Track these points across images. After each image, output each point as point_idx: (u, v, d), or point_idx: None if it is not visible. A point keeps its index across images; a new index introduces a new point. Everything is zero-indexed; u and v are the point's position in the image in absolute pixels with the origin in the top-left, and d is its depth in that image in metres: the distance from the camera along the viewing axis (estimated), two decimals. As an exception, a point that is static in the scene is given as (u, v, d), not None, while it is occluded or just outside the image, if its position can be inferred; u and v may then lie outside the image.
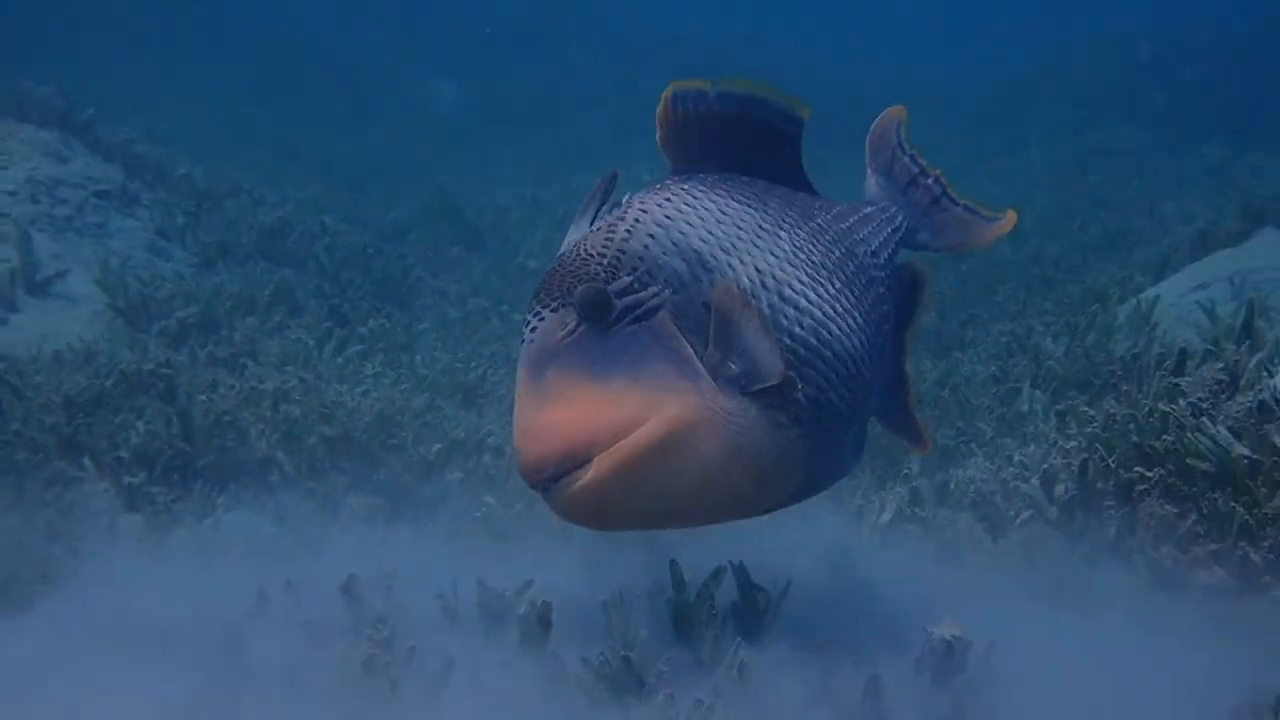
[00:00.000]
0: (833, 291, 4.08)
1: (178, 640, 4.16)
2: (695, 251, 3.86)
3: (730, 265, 3.88)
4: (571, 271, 3.76)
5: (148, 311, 10.19)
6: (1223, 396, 5.85)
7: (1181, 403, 5.81)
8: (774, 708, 3.73)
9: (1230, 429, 5.46)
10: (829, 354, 3.97)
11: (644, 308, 3.71)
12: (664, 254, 3.82)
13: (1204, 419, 5.58)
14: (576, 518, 3.69)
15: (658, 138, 4.25)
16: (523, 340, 3.73)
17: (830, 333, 3.99)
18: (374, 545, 6.03)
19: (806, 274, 4.04)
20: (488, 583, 4.28)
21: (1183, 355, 6.45)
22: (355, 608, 4.14)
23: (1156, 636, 4.48)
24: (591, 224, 4.03)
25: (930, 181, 5.05)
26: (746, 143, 4.35)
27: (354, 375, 8.98)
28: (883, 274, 4.49)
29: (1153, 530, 5.34)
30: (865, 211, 4.67)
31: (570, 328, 3.66)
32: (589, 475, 3.53)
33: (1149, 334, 8.65)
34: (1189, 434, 5.52)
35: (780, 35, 27.87)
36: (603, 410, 3.56)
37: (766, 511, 4.06)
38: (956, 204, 5.04)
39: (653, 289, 3.74)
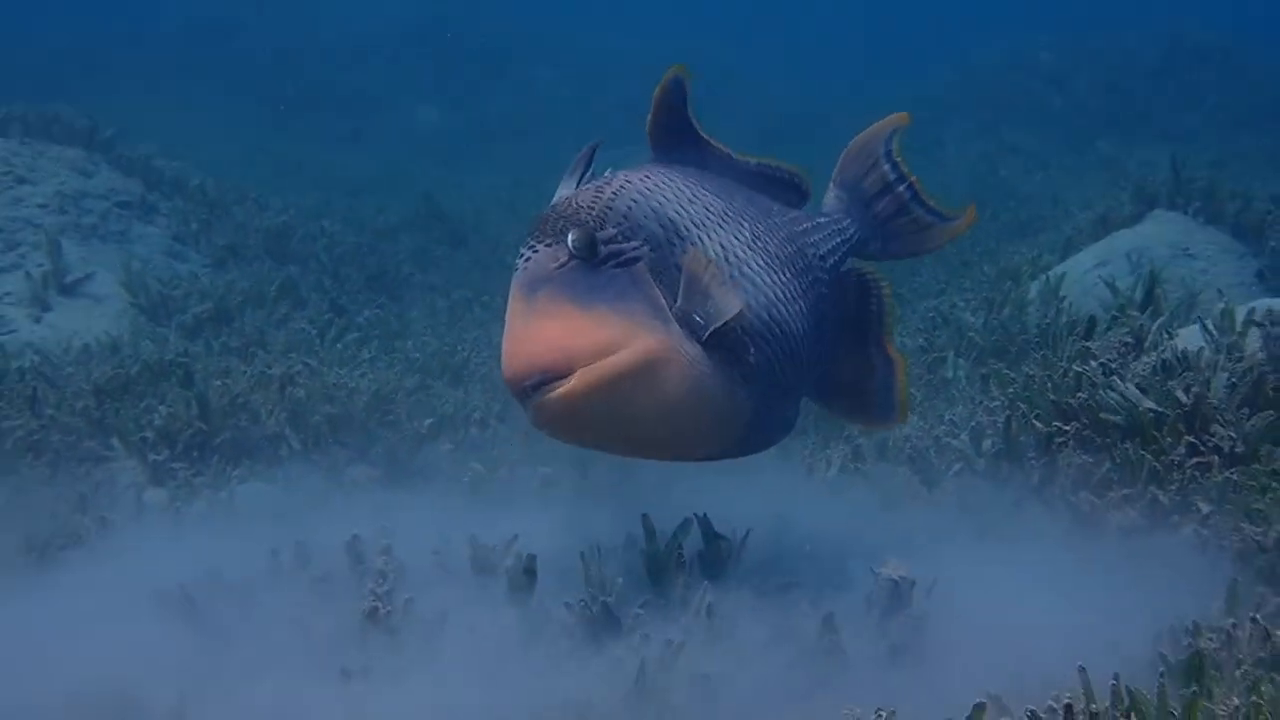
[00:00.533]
0: (783, 280, 4.08)
1: (199, 596, 4.03)
2: (671, 220, 3.88)
3: (699, 238, 3.90)
4: (564, 216, 3.77)
5: (167, 308, 10.12)
6: (1129, 357, 5.80)
7: (1093, 363, 5.76)
8: (739, 645, 3.62)
9: (1138, 385, 5.40)
10: (777, 331, 3.98)
11: (626, 256, 3.72)
12: (644, 217, 3.83)
13: (1114, 378, 5.52)
14: (551, 425, 3.68)
15: (649, 121, 4.24)
16: (515, 269, 3.74)
17: (779, 313, 3.99)
18: (373, 509, 5.93)
19: (762, 260, 4.04)
20: (478, 539, 4.16)
21: (1092, 322, 6.41)
22: (358, 564, 4.00)
23: (1080, 572, 4.40)
24: (577, 183, 4.03)
25: (903, 189, 4.92)
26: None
27: (352, 360, 8.89)
28: (827, 277, 4.46)
29: (1071, 477, 5.29)
30: (818, 220, 4.61)
31: (561, 261, 3.67)
32: (569, 385, 3.55)
33: (1058, 306, 8.59)
34: (1100, 391, 5.47)
35: (722, 54, 27.69)
36: (586, 330, 3.59)
37: (708, 457, 4.08)
38: (926, 208, 4.93)
39: (634, 243, 3.76)
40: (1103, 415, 5.40)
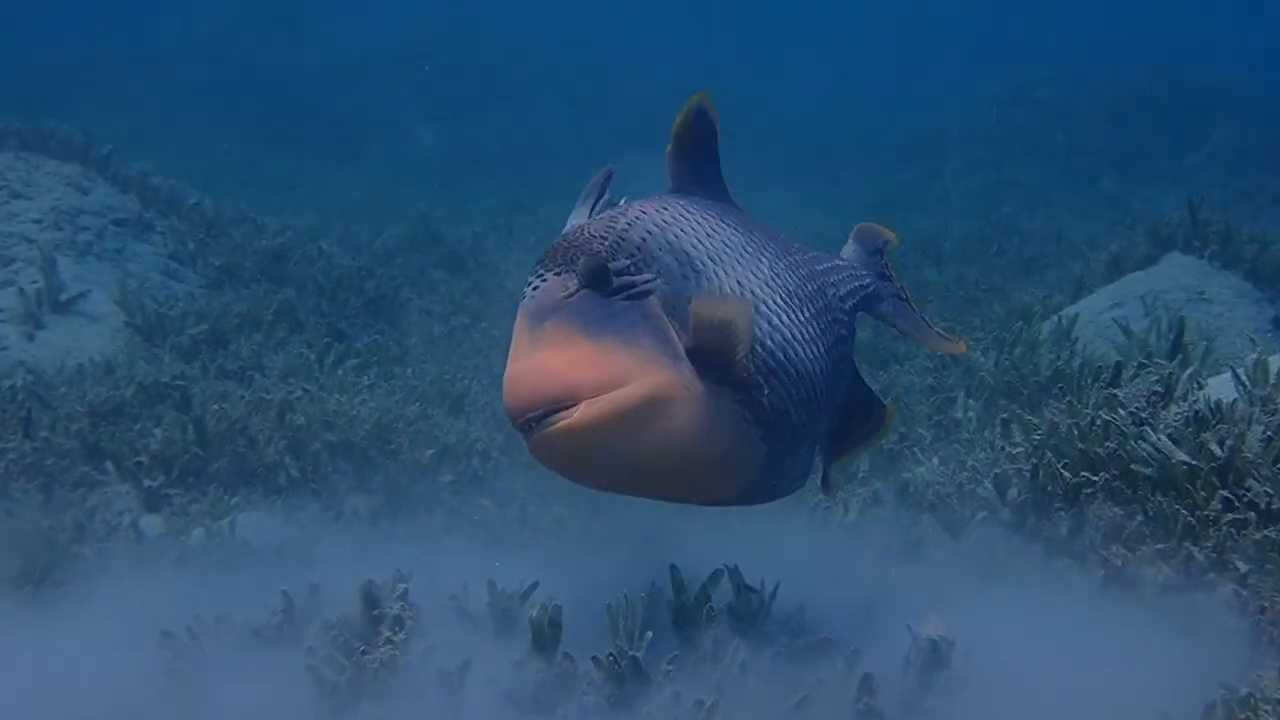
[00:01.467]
0: (801, 319, 3.93)
1: (204, 641, 3.87)
2: (686, 253, 3.71)
3: (716, 273, 3.74)
4: (576, 244, 3.61)
5: (163, 328, 9.98)
6: (1159, 406, 5.65)
7: (1121, 412, 5.61)
8: (773, 706, 3.47)
9: (1169, 436, 5.26)
10: (792, 371, 3.82)
11: (638, 289, 3.56)
12: (659, 249, 3.67)
13: (1145, 428, 5.37)
14: (551, 458, 3.52)
15: (670, 149, 4.07)
16: (523, 295, 3.58)
17: (795, 354, 3.84)
18: (381, 543, 5.80)
19: (781, 298, 3.88)
20: (497, 586, 4.00)
21: (1118, 368, 6.26)
22: (372, 609, 3.84)
23: (1120, 634, 4.25)
24: (590, 211, 3.90)
25: (898, 287, 4.90)
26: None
27: (352, 386, 8.74)
28: (846, 318, 4.34)
29: (1101, 530, 5.13)
30: (838, 263, 4.52)
31: (570, 290, 3.52)
32: (572, 418, 3.37)
33: (1070, 348, 8.49)
34: (1131, 441, 5.32)
35: (722, 81, 27.65)
36: (593, 362, 3.42)
37: (714, 503, 3.95)
38: (915, 312, 4.93)
39: (647, 275, 3.59)
40: (1133, 466, 5.25)
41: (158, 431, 7.34)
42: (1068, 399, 6.24)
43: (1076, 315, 9.10)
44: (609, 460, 3.54)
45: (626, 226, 3.68)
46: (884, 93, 31.11)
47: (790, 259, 4.09)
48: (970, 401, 7.95)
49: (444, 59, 29.08)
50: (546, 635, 3.61)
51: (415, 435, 7.63)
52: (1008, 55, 30.62)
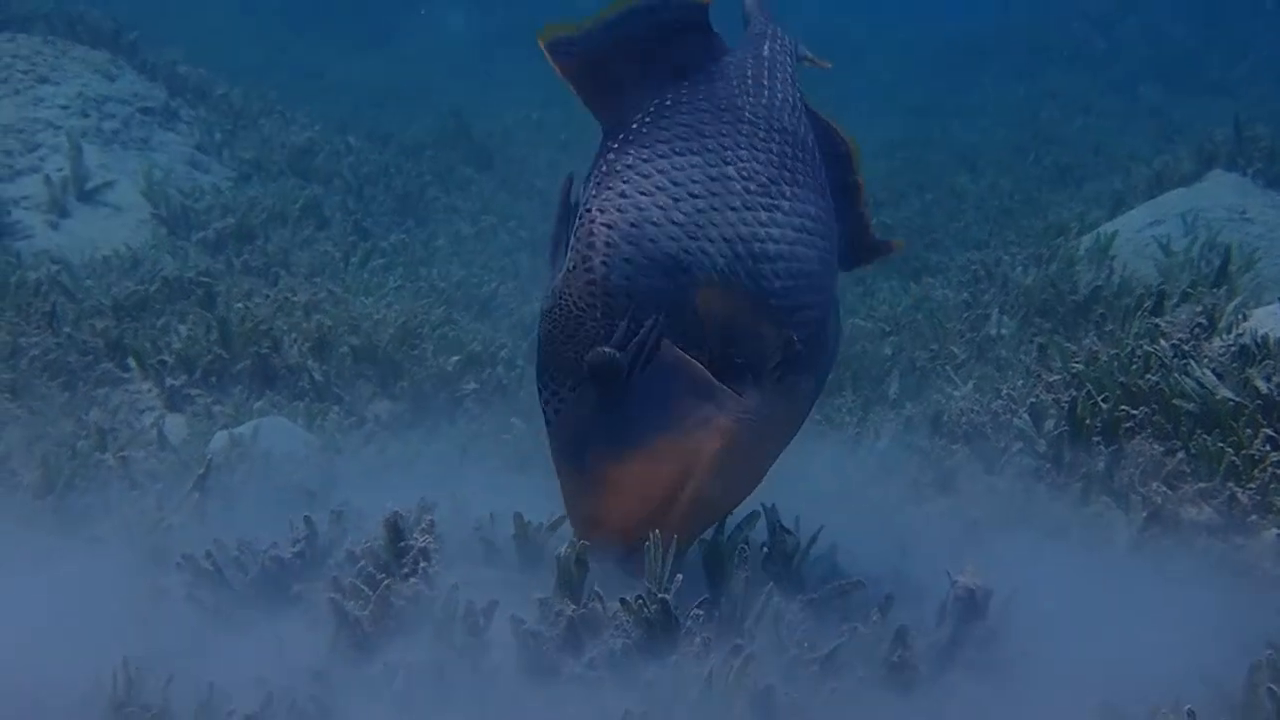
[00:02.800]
0: (788, 205, 3.67)
1: (225, 566, 3.79)
2: (670, 256, 3.46)
3: (703, 250, 3.50)
4: (570, 337, 3.42)
5: (188, 221, 9.88)
6: (1202, 338, 5.51)
7: (1164, 343, 5.47)
8: (805, 655, 3.37)
9: (1214, 371, 5.12)
10: (804, 281, 3.64)
11: (647, 346, 3.40)
12: (644, 276, 3.43)
13: (1188, 361, 5.23)
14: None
15: (578, 98, 3.69)
16: (547, 420, 3.46)
17: (800, 256, 3.63)
18: (405, 460, 5.72)
19: (764, 207, 3.62)
20: (524, 517, 3.90)
21: (1160, 296, 6.12)
22: (397, 543, 3.74)
23: (1160, 581, 4.15)
24: (568, 242, 3.57)
25: None
26: (660, 56, 3.78)
27: (378, 287, 8.63)
28: (805, 121, 3.96)
29: (1141, 467, 5.00)
30: (764, 52, 4.07)
31: (591, 402, 3.39)
32: (671, 526, 3.43)
33: (1109, 266, 8.32)
34: (1173, 375, 5.18)
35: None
36: (651, 478, 3.40)
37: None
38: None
39: (648, 322, 3.41)
40: (1175, 401, 5.11)
41: (181, 329, 7.27)
42: (1109, 327, 6.11)
43: (1115, 233, 8.90)
44: (708, 519, 3.63)
45: (604, 271, 3.42)
46: (918, 5, 30.49)
47: (744, 127, 3.74)
48: (1005, 319, 7.85)
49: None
50: (574, 574, 3.51)
51: (440, 341, 7.52)
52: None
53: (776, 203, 3.64)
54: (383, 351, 7.21)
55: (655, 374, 3.39)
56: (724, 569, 3.64)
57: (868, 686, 3.34)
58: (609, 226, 3.47)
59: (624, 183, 3.55)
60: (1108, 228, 9.15)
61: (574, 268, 3.45)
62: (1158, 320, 5.85)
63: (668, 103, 3.73)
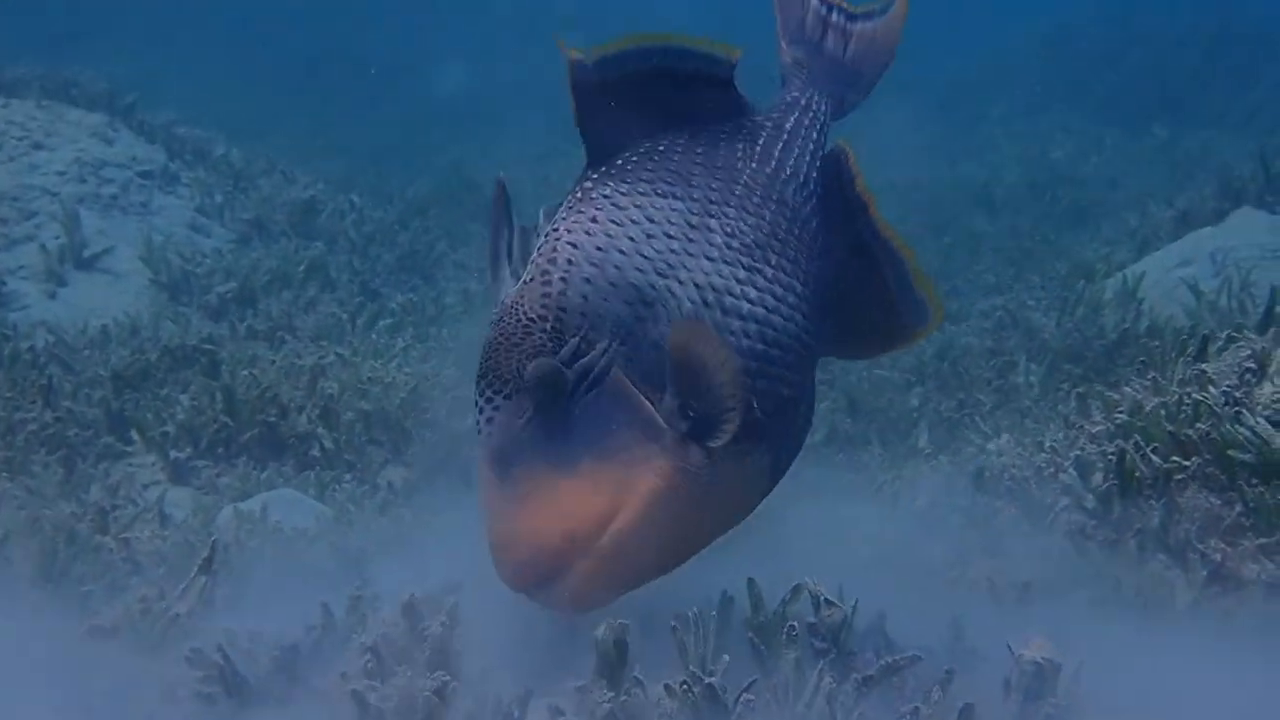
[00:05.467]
0: (771, 273, 3.51)
1: (237, 659, 3.57)
2: (634, 286, 3.32)
3: (670, 290, 3.35)
4: (515, 345, 3.24)
5: (189, 286, 9.77)
6: (1252, 384, 5.30)
7: (1213, 390, 5.25)
8: (865, 739, 3.16)
9: (1268, 419, 4.90)
10: (777, 352, 3.45)
11: (596, 370, 3.22)
12: (604, 300, 3.29)
13: (1241, 409, 5.02)
14: (571, 613, 3.34)
15: (575, 118, 3.56)
16: (479, 429, 3.26)
17: (776, 326, 3.46)
18: (420, 531, 5.52)
19: (744, 266, 3.47)
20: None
21: (1205, 341, 5.90)
22: (417, 627, 3.54)
23: (1231, 645, 3.93)
24: (511, 266, 3.48)
25: (836, 17, 4.32)
26: (672, 102, 3.67)
27: (386, 349, 8.44)
28: (814, 202, 3.79)
29: (1197, 522, 4.78)
30: (787, 125, 3.91)
31: (528, 414, 3.19)
32: (575, 577, 3.18)
33: (1137, 309, 8.15)
34: (1225, 424, 4.96)
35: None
36: (578, 501, 3.16)
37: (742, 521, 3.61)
38: (854, 16, 4.33)
39: (600, 345, 3.25)
40: (1229, 451, 4.89)
41: (184, 399, 7.10)
42: (1151, 375, 5.90)
43: (1142, 274, 8.74)
44: (623, 581, 3.32)
45: (563, 287, 3.30)
46: (914, 44, 30.42)
47: (738, 188, 3.61)
48: (1032, 366, 7.69)
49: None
50: (613, 657, 3.30)
51: (453, 403, 7.33)
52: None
53: (759, 266, 3.50)
54: (394, 416, 7.03)
55: (600, 400, 3.21)
56: (772, 647, 3.43)
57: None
58: (574, 246, 3.37)
59: (597, 209, 3.45)
60: (1135, 269, 9.00)
61: (531, 280, 3.35)
62: (1204, 366, 5.62)
63: (660, 147, 3.62)
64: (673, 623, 3.43)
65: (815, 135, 3.96)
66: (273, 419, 6.88)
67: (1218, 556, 4.55)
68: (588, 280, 3.30)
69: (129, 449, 6.81)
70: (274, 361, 7.70)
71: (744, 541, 4.09)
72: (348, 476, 6.62)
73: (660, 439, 3.19)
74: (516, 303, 3.31)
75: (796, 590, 3.66)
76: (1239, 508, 4.72)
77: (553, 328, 3.24)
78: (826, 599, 3.67)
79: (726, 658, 3.21)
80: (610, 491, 3.15)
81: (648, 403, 3.22)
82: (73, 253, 9.82)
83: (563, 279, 3.30)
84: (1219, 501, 4.81)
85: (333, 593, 3.90)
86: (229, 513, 5.80)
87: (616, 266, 3.33)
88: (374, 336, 8.92)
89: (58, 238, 9.90)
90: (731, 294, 3.40)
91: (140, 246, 10.01)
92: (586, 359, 3.22)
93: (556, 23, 27.99)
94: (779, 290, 3.50)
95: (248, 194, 12.10)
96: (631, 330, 3.27)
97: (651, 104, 3.64)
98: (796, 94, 4.07)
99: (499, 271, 3.49)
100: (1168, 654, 3.80)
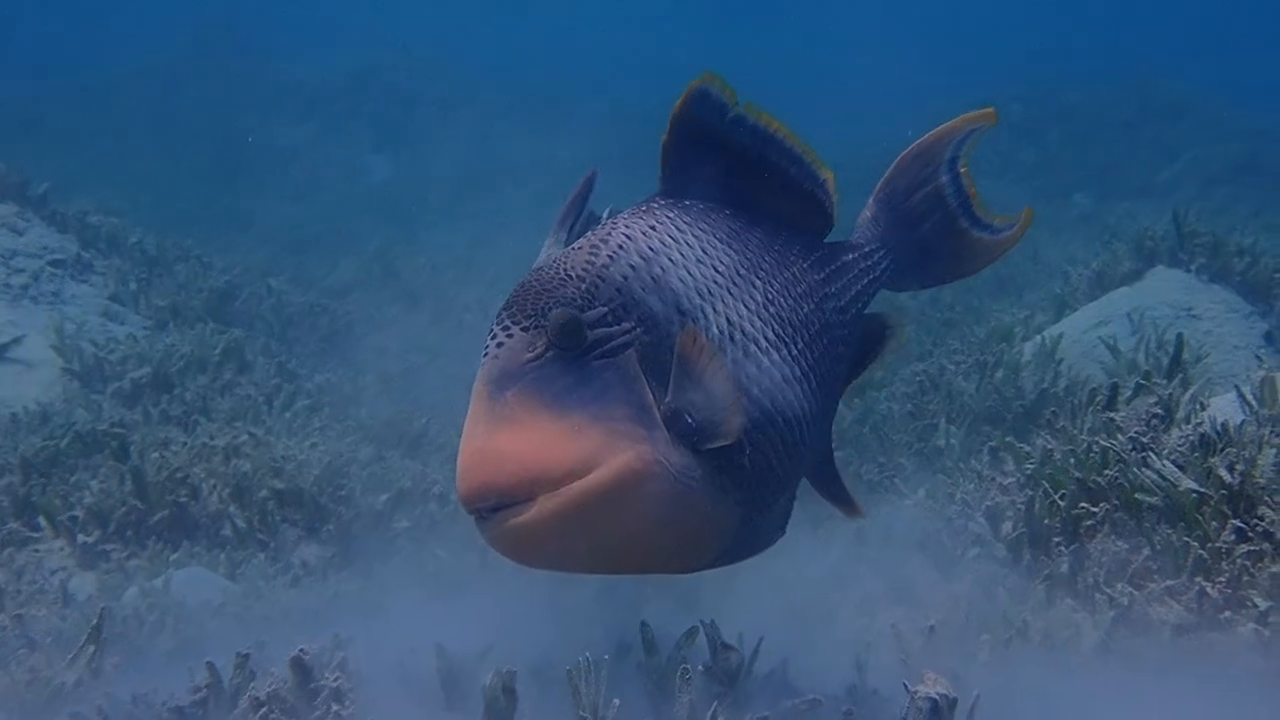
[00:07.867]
0: (794, 353, 3.57)
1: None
2: (672, 291, 3.37)
3: (704, 311, 3.39)
4: (548, 290, 3.26)
5: (102, 373, 9.60)
6: (1160, 430, 5.34)
7: (1121, 437, 5.29)
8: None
9: (1174, 462, 4.94)
10: (779, 421, 3.47)
11: (614, 343, 3.22)
12: (642, 289, 3.33)
13: (1148, 453, 5.05)
14: (507, 551, 3.21)
15: (664, 139, 3.62)
16: (485, 351, 3.21)
17: (785, 398, 3.49)
18: (327, 602, 5.46)
19: (774, 330, 3.53)
20: (447, 649, 3.65)
21: (1114, 390, 5.95)
22: (307, 682, 3.48)
23: (1133, 684, 3.94)
24: (569, 234, 3.56)
25: (957, 204, 4.34)
26: (758, 179, 3.74)
27: (302, 429, 8.40)
28: (846, 332, 3.91)
29: (1105, 566, 4.80)
30: (845, 259, 4.00)
31: (539, 351, 3.17)
32: (530, 513, 3.07)
33: (1055, 369, 8.20)
34: (1133, 469, 5.00)
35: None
36: (556, 445, 3.09)
37: (684, 571, 3.58)
38: (978, 223, 4.38)
39: (625, 324, 3.26)
40: (1137, 495, 4.92)
41: (94, 483, 7.00)
42: (1061, 424, 5.94)
43: (1060, 335, 8.82)
44: (570, 549, 3.22)
45: (608, 261, 3.35)
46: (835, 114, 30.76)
47: (787, 274, 3.71)
48: (952, 428, 7.72)
49: (396, 90, 28.78)
50: (501, 704, 3.26)
51: (369, 479, 7.29)
52: (972, 72, 30.49)
53: (785, 341, 3.57)
54: (308, 494, 6.97)
55: (608, 370, 3.20)
56: (665, 691, 3.40)
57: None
58: (628, 238, 3.45)
59: (658, 222, 3.55)
60: (1053, 330, 9.08)
61: (579, 247, 3.41)
62: (1112, 414, 5.67)
63: (728, 210, 3.72)
64: (567, 668, 3.40)
65: (865, 283, 4.04)
66: (183, 499, 6.81)
67: (1125, 600, 4.56)
68: (632, 267, 3.36)
69: (36, 535, 6.70)
70: (186, 443, 7.60)
71: (652, 589, 4.09)
72: (260, 555, 6.53)
73: (652, 429, 3.18)
74: (561, 260, 3.36)
75: (691, 633, 3.63)
76: (1146, 551, 4.75)
77: (588, 289, 3.26)
78: (724, 643, 3.66)
79: (618, 701, 3.16)
80: (590, 449, 3.10)
81: (650, 393, 3.23)
82: (-18, 343, 9.69)
83: (610, 256, 3.36)
84: (1127, 546, 4.85)
85: (227, 655, 3.84)
86: (133, 591, 5.72)
87: (662, 269, 3.39)
88: (289, 417, 8.85)
89: (-34, 328, 9.75)
90: (757, 344, 3.46)
91: (52, 335, 9.89)
92: (608, 330, 3.23)
93: (477, 115, 28.22)
94: (799, 371, 3.56)
95: (163, 280, 12.03)
96: (659, 326, 3.31)
97: (740, 170, 3.72)
98: (864, 243, 4.13)
99: (558, 235, 3.56)
100: (1069, 692, 3.81)
